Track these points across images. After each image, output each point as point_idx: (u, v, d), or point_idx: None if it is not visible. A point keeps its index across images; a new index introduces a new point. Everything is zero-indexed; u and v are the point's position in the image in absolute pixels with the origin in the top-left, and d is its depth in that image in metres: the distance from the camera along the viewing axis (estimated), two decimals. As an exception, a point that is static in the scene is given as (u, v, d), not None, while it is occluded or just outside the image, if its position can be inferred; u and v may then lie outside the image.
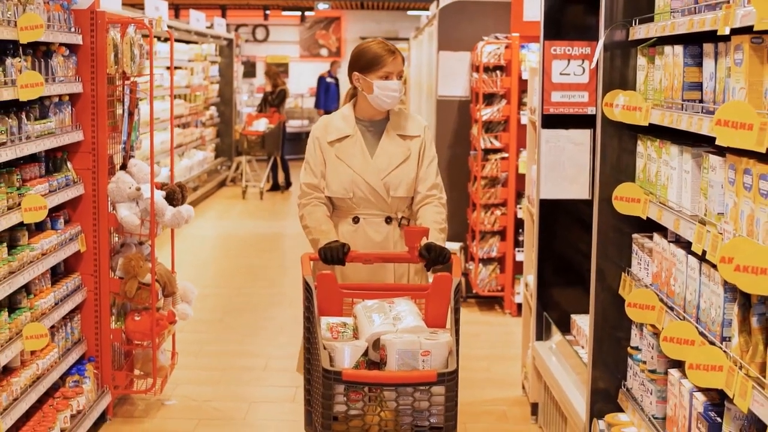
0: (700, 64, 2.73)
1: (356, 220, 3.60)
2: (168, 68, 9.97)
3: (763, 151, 2.11)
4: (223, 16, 17.93)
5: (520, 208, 6.56)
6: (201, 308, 6.00)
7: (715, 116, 2.21)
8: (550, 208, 4.63)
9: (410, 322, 3.03)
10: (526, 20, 6.56)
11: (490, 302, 7.03)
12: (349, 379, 2.80)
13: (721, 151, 2.53)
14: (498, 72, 6.79)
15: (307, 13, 20.00)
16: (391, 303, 3.14)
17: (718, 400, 2.62)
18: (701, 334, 2.59)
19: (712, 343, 2.50)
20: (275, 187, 13.31)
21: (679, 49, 2.81)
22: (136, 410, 4.81)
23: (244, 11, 19.87)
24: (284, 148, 13.42)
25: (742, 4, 2.29)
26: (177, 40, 10.93)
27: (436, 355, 2.90)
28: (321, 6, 18.97)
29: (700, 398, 2.66)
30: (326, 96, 16.67)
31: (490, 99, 6.88)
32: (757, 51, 2.27)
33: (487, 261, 6.94)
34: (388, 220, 3.62)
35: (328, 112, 16.31)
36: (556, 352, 4.46)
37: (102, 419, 4.58)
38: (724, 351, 2.41)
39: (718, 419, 2.55)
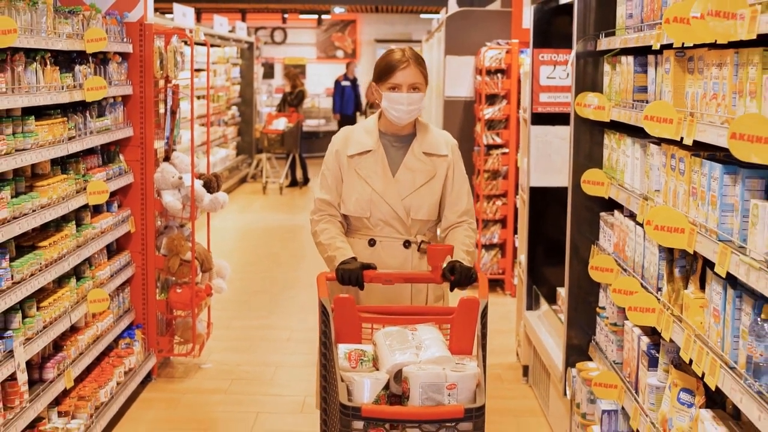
0: (645, 72, 3.37)
1: (372, 242, 3.37)
2: (197, 70, 10.67)
3: (678, 139, 2.76)
4: (243, 19, 18.63)
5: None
6: (229, 290, 6.63)
7: (643, 113, 2.86)
8: (539, 195, 5.30)
9: (435, 352, 2.82)
10: (525, 27, 7.20)
11: (492, 284, 7.68)
12: (368, 416, 2.58)
13: (660, 142, 3.17)
14: (499, 75, 7.45)
15: (323, 16, 20.72)
16: (413, 330, 2.93)
17: (657, 341, 3.26)
18: (643, 286, 3.23)
19: (650, 292, 3.15)
20: (294, 183, 14.00)
21: (630, 59, 3.46)
22: (177, 372, 5.50)
23: (263, 15, 20.59)
24: (302, 146, 14.09)
25: (668, 26, 2.94)
26: (201, 44, 11.64)
27: (462, 388, 2.69)
28: (337, 9, 19.68)
29: (645, 340, 3.31)
30: (342, 99, 16.73)
31: (492, 99, 7.54)
32: (680, 62, 2.91)
33: (489, 247, 7.61)
34: (407, 244, 3.37)
35: (344, 115, 16.79)
36: (543, 320, 5.12)
37: (148, 378, 5.27)
38: (657, 297, 3.07)
39: (656, 354, 3.20)
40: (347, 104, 16.81)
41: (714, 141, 2.48)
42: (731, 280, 2.47)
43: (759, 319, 2.25)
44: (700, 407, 2.74)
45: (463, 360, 2.86)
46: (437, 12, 15.23)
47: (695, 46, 2.72)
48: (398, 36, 20.36)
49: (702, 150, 2.78)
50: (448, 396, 2.68)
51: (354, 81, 17.08)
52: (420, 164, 3.38)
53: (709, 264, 2.68)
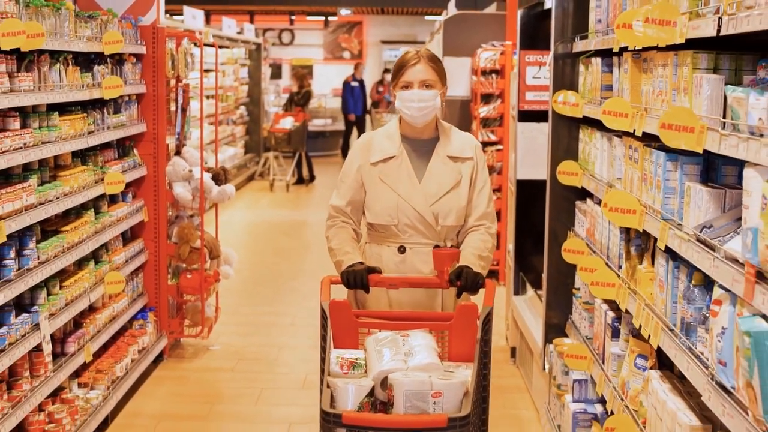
0: (611, 71, 3.73)
1: (402, 249, 3.30)
2: (206, 71, 11.07)
3: (632, 131, 3.11)
4: (251, 21, 19.02)
5: (513, 193, 7.56)
6: (236, 280, 7.01)
7: (601, 108, 3.21)
8: (525, 187, 5.65)
9: (423, 359, 2.77)
10: (518, 30, 7.57)
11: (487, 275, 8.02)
12: (349, 423, 2.53)
13: (622, 135, 3.52)
14: (494, 75, 7.81)
15: (330, 18, 21.11)
16: (405, 336, 2.88)
17: (620, 315, 3.61)
18: (607, 265, 3.59)
19: (612, 269, 3.51)
20: (300, 181, 14.37)
21: (599, 59, 3.81)
22: (187, 353, 5.87)
23: (271, 16, 20.99)
24: (308, 145, 14.46)
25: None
26: (211, 45, 12.04)
27: (449, 396, 2.63)
28: (344, 11, 20.05)
29: (610, 314, 3.66)
30: (353, 100, 17.06)
31: (487, 98, 7.90)
32: (636, 63, 3.26)
33: (484, 240, 7.95)
34: (437, 248, 3.28)
35: (357, 115, 17.15)
36: (528, 304, 5.47)
37: (160, 357, 5.64)
38: (617, 274, 3.42)
39: (618, 326, 3.55)
40: (357, 104, 17.17)
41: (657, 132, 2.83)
42: (673, 254, 2.82)
43: (690, 285, 2.60)
44: (650, 368, 3.09)
45: (459, 367, 2.83)
46: (440, 14, 15.59)
47: (647, 49, 3.07)
48: (403, 37, 20.74)
49: (655, 141, 3.13)
50: (433, 404, 2.62)
51: (362, 82, 17.42)
52: (445, 169, 3.31)
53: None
